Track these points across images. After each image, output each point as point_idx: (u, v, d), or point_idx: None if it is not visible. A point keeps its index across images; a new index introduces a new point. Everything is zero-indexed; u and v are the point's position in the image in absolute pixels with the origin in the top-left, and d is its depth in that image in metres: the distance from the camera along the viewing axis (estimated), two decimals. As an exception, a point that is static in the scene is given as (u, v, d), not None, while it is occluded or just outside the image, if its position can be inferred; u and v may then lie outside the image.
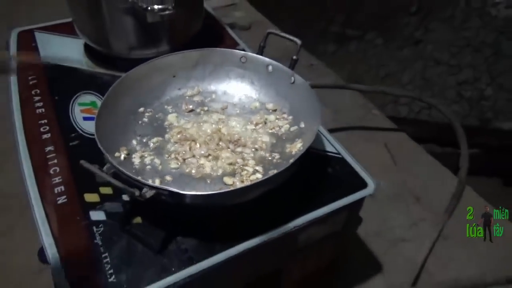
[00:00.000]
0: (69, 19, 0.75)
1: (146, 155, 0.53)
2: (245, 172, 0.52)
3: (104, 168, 0.44)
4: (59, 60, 0.71)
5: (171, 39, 0.69)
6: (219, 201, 0.46)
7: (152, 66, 0.60)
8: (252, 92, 0.63)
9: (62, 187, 0.52)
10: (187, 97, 0.63)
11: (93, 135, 0.48)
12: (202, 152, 0.53)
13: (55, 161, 0.55)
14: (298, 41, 0.58)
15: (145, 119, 0.59)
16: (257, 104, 0.62)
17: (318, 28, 2.53)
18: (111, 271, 0.44)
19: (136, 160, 0.53)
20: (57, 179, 0.52)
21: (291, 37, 0.58)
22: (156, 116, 0.60)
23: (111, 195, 0.51)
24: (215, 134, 0.56)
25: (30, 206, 0.50)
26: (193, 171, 0.52)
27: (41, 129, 0.59)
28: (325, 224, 0.55)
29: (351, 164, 0.58)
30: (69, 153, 0.56)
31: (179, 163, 0.53)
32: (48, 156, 0.55)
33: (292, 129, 0.58)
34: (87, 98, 0.65)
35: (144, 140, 0.56)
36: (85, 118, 0.61)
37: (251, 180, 0.50)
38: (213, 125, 0.58)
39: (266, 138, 0.56)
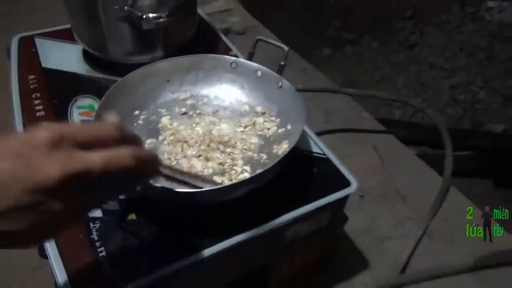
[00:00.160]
0: (68, 26, 0.78)
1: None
2: (234, 171, 0.55)
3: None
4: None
5: (166, 45, 0.72)
6: (208, 198, 0.49)
7: (147, 71, 0.63)
8: (242, 96, 0.66)
9: (61, 186, 0.54)
10: (180, 101, 0.66)
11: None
12: (194, 153, 0.57)
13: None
14: (286, 48, 0.61)
15: (140, 122, 0.62)
16: (247, 107, 0.65)
17: (315, 32, 2.57)
18: (107, 264, 0.47)
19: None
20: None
21: (279, 44, 0.61)
22: (151, 118, 0.63)
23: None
24: (206, 136, 0.59)
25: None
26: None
27: (41, 131, 0.62)
28: (311, 220, 0.58)
29: (336, 164, 0.60)
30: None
31: (172, 163, 0.56)
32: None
33: (279, 131, 0.61)
34: (85, 101, 0.68)
35: (139, 141, 0.59)
36: (83, 121, 0.64)
37: (239, 179, 0.53)
38: (205, 127, 0.61)
39: (255, 140, 0.60)
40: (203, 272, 0.51)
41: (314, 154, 0.62)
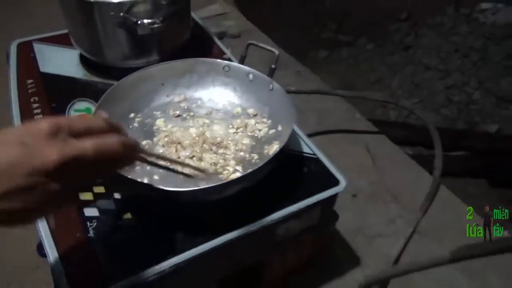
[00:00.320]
0: (66, 31, 0.80)
1: (135, 157, 0.58)
2: (226, 171, 0.57)
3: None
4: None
5: (161, 50, 0.74)
6: (201, 197, 0.51)
7: (142, 75, 0.65)
8: (234, 98, 0.68)
9: (59, 187, 0.56)
10: (174, 103, 0.68)
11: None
12: (187, 153, 0.58)
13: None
14: (276, 51, 0.63)
15: (136, 124, 0.64)
16: (239, 109, 0.67)
17: (311, 34, 2.59)
18: (103, 261, 0.49)
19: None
20: (54, 179, 0.57)
21: (270, 48, 0.63)
22: (146, 121, 0.64)
23: (103, 194, 0.56)
24: (200, 137, 0.61)
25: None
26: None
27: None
28: (302, 218, 0.60)
29: (325, 164, 0.62)
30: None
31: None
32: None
33: (270, 132, 0.63)
34: (82, 105, 0.70)
35: (134, 143, 0.61)
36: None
37: (231, 178, 0.55)
38: (198, 129, 0.63)
39: (247, 141, 0.62)
40: (197, 269, 0.53)
41: (305, 155, 0.64)
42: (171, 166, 0.53)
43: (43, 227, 0.52)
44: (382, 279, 0.57)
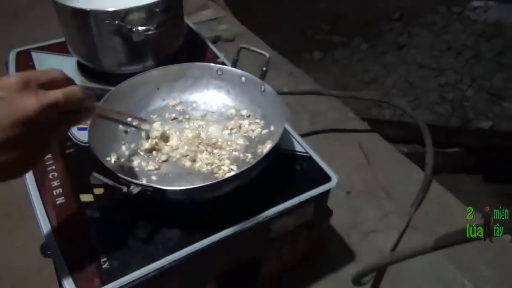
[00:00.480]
0: (63, 39, 0.82)
1: (133, 159, 0.61)
2: (222, 171, 0.59)
3: (94, 173, 0.51)
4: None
5: (156, 55, 0.77)
6: (196, 195, 0.53)
7: (138, 80, 0.67)
8: (228, 101, 0.70)
9: (60, 189, 0.59)
10: (170, 107, 0.70)
11: (86, 143, 0.56)
12: (182, 151, 0.61)
13: (54, 167, 0.62)
14: (267, 55, 0.65)
15: (133, 128, 0.66)
16: (233, 111, 0.69)
17: (305, 36, 2.62)
18: (105, 259, 0.51)
19: (125, 163, 0.60)
20: (55, 182, 0.59)
21: (260, 51, 0.65)
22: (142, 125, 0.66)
23: (103, 195, 0.58)
24: (195, 139, 0.63)
25: (32, 207, 0.57)
26: (175, 171, 0.59)
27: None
28: (296, 214, 0.62)
29: (317, 162, 0.64)
30: (65, 159, 0.63)
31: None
32: (47, 163, 0.62)
33: (263, 132, 0.65)
34: (81, 110, 0.72)
35: (132, 146, 0.63)
36: (79, 129, 0.68)
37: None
38: (194, 131, 0.65)
39: (241, 141, 0.64)
40: (195, 265, 0.55)
41: (298, 153, 0.66)
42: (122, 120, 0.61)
43: (46, 228, 0.54)
44: (369, 270, 0.59)
